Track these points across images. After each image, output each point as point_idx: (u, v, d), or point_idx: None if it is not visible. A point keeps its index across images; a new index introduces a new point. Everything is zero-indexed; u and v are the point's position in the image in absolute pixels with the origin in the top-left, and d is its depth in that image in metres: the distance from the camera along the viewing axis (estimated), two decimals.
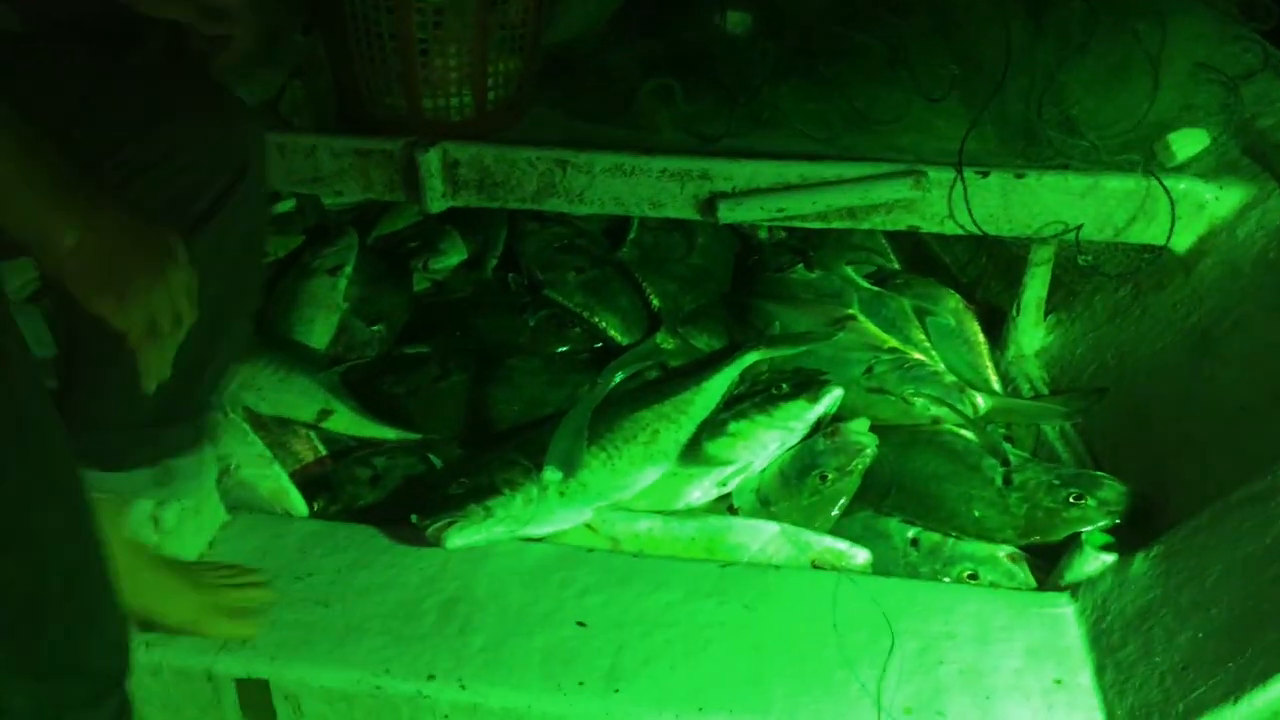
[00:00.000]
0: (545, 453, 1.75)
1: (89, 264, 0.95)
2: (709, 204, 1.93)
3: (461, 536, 1.63)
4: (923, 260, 2.53)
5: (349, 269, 2.30)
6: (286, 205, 2.46)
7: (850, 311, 2.14)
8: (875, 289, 2.26)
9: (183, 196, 1.29)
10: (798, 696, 1.39)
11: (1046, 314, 2.15)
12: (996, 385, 2.06)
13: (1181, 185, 1.84)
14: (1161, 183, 1.82)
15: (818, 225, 1.95)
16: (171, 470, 1.43)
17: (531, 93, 2.12)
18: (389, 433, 1.98)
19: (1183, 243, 1.87)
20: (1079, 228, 1.86)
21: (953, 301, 2.22)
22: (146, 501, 1.52)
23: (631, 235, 2.43)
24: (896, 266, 2.46)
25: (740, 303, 2.30)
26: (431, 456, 1.90)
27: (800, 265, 2.33)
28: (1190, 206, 1.84)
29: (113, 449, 1.37)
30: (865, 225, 1.94)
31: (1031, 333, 2.14)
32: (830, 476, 1.80)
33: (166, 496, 1.49)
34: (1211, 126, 1.90)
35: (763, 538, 1.72)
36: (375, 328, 2.21)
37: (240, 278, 1.41)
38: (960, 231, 1.91)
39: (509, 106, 2.05)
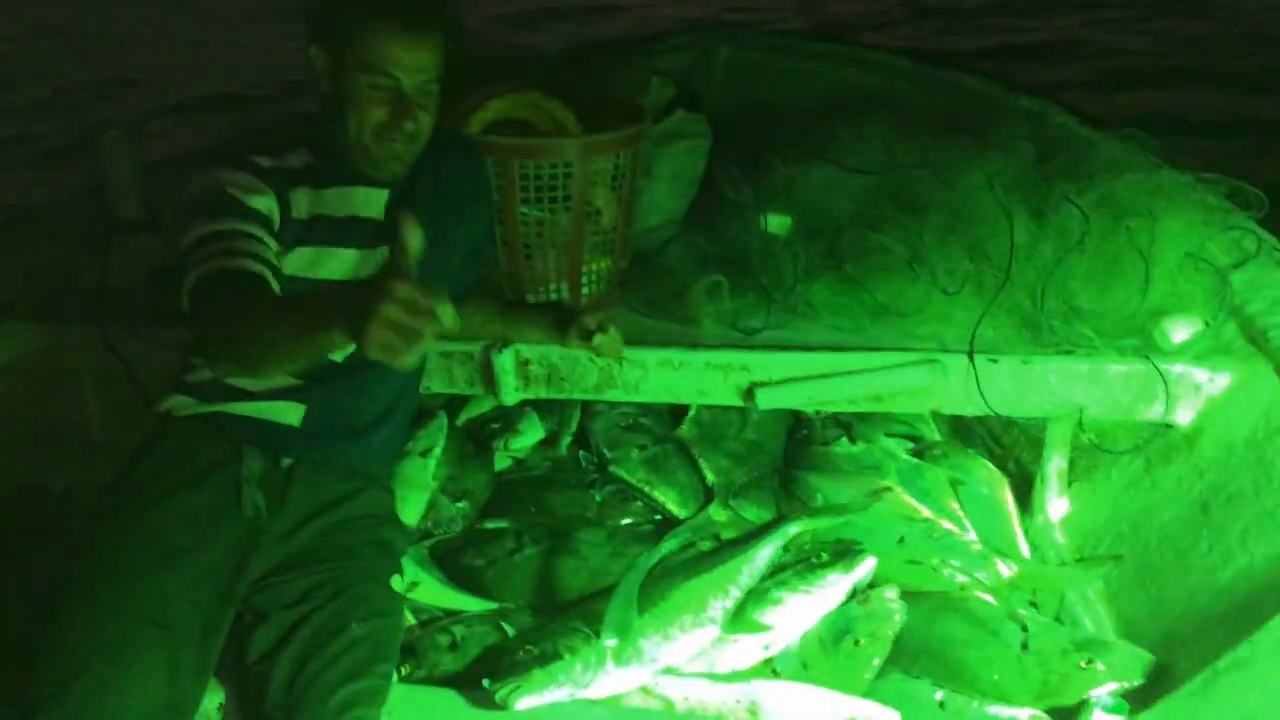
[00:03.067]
0: (603, 620, 1.96)
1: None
2: (749, 393, 2.17)
3: (527, 699, 1.84)
4: (963, 428, 2.70)
5: (439, 450, 2.57)
6: None
7: (887, 483, 2.33)
8: (913, 461, 2.44)
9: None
10: None
11: (1070, 484, 2.30)
12: (1024, 552, 2.20)
13: (1177, 368, 2.01)
14: (1157, 366, 2.00)
15: (849, 409, 2.17)
16: None
17: (621, 285, 2.41)
18: (469, 602, 2.21)
19: (1183, 420, 2.04)
20: (1083, 409, 2.04)
21: (985, 472, 2.38)
22: None
23: (691, 414, 2.66)
24: (936, 437, 2.63)
25: (788, 475, 2.50)
26: (505, 624, 2.12)
27: (844, 439, 2.53)
28: (1187, 387, 2.01)
29: None
30: (891, 408, 2.16)
31: (1055, 502, 2.29)
32: (863, 641, 1.96)
33: None
34: (1204, 312, 2.07)
35: (802, 700, 1.88)
36: (460, 504, 2.46)
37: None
38: (977, 412, 2.11)
39: (602, 298, 2.35)
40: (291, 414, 1.85)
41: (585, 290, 2.30)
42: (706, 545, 2.28)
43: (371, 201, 1.87)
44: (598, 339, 2.02)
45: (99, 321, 2.43)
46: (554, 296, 2.27)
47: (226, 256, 1.57)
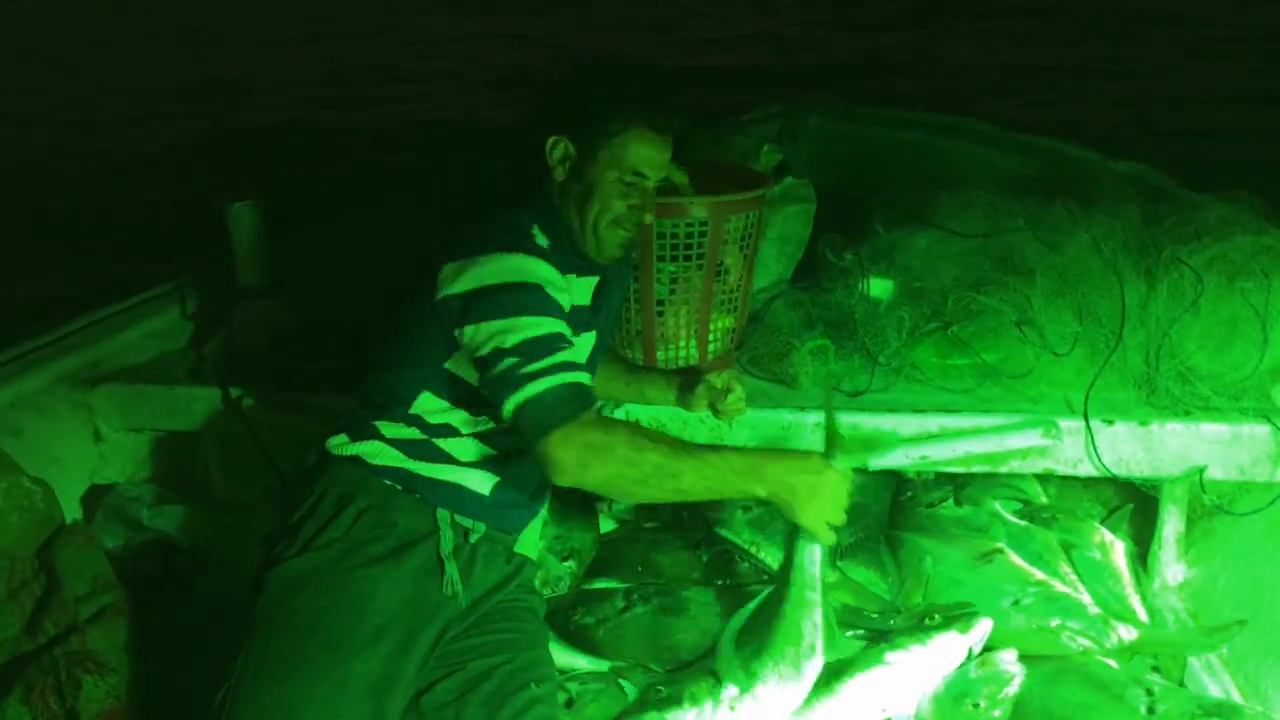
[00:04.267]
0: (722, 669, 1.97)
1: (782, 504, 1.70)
2: None
3: None
4: (1073, 491, 2.68)
5: (544, 511, 2.62)
6: None
7: (998, 545, 2.32)
8: (1022, 524, 2.42)
9: None
10: None
11: (1188, 548, 2.27)
12: (1143, 616, 2.17)
13: None
14: (1278, 427, 1.98)
15: (960, 469, 2.18)
16: None
17: (739, 347, 2.47)
18: (581, 660, 2.24)
19: None
20: (1203, 470, 2.02)
21: (1097, 535, 2.36)
22: None
23: None
24: (1043, 500, 2.61)
25: (895, 537, 2.50)
26: (621, 682, 2.14)
27: (950, 501, 2.53)
28: None
29: None
30: (1003, 470, 2.16)
31: (1173, 565, 2.26)
32: (983, 704, 1.94)
33: None
34: None
35: None
36: (568, 564, 2.50)
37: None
38: (1093, 474, 2.10)
39: (723, 356, 2.41)
40: (484, 483, 1.88)
41: (711, 347, 2.35)
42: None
43: (588, 288, 1.94)
44: (729, 399, 2.09)
45: (222, 384, 2.54)
46: (682, 352, 2.33)
47: (562, 370, 1.63)
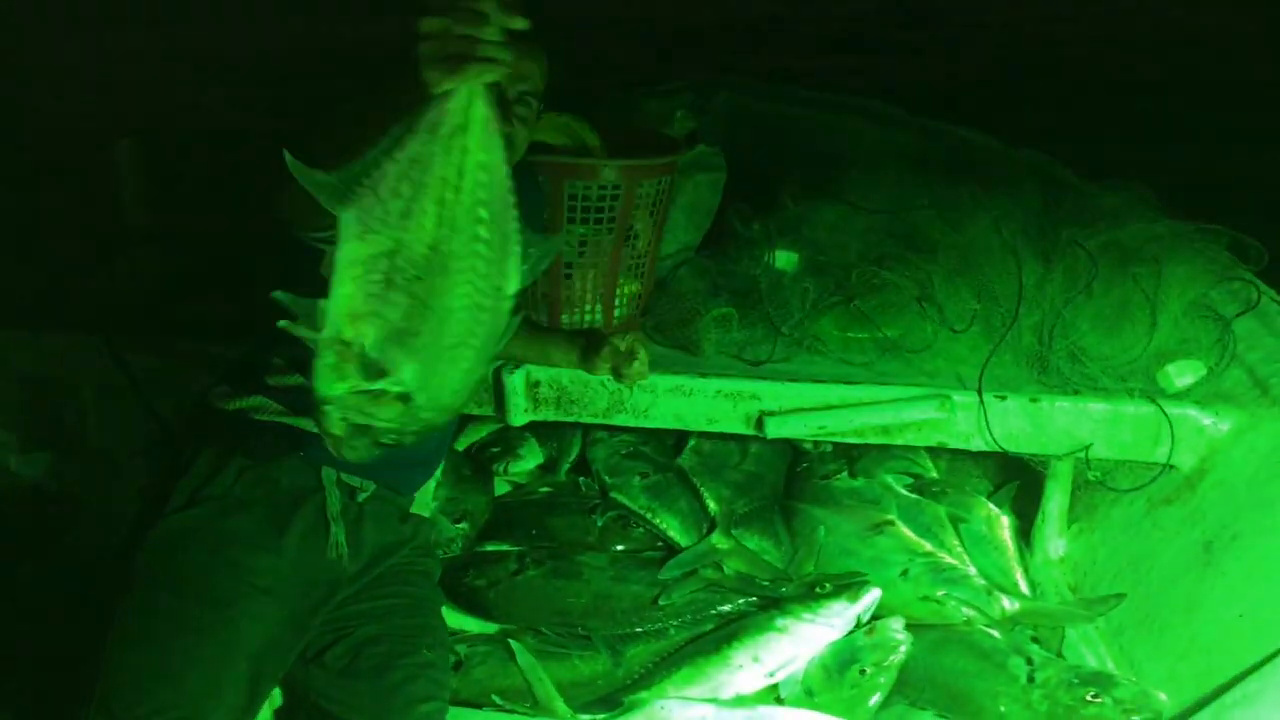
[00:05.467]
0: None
1: None
2: (758, 421, 2.19)
3: None
4: (962, 466, 2.73)
5: (438, 472, 2.57)
6: None
7: (889, 517, 2.36)
8: (913, 497, 2.47)
9: None
10: None
11: (1070, 523, 2.34)
12: (1025, 589, 2.23)
13: (1180, 411, 2.06)
14: (1163, 409, 2.04)
15: (856, 440, 2.20)
16: None
17: (644, 313, 2.44)
18: (471, 623, 2.20)
19: (1185, 462, 2.08)
20: (1088, 447, 2.08)
21: (984, 510, 2.42)
22: None
23: (691, 444, 2.68)
24: (934, 475, 2.66)
25: (789, 507, 2.52)
26: (511, 642, 2.11)
27: (844, 473, 2.56)
28: (1189, 430, 2.06)
29: None
30: (899, 441, 2.19)
31: (1055, 540, 2.32)
32: (869, 670, 1.98)
33: None
34: (1207, 358, 2.12)
35: None
36: (460, 526, 2.46)
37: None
38: (983, 448, 2.14)
39: (629, 321, 2.39)
40: None
41: (616, 312, 2.33)
42: (710, 574, 2.28)
43: None
44: (633, 366, 2.09)
45: (103, 330, 2.42)
46: (588, 316, 2.29)
47: None
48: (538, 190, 2.12)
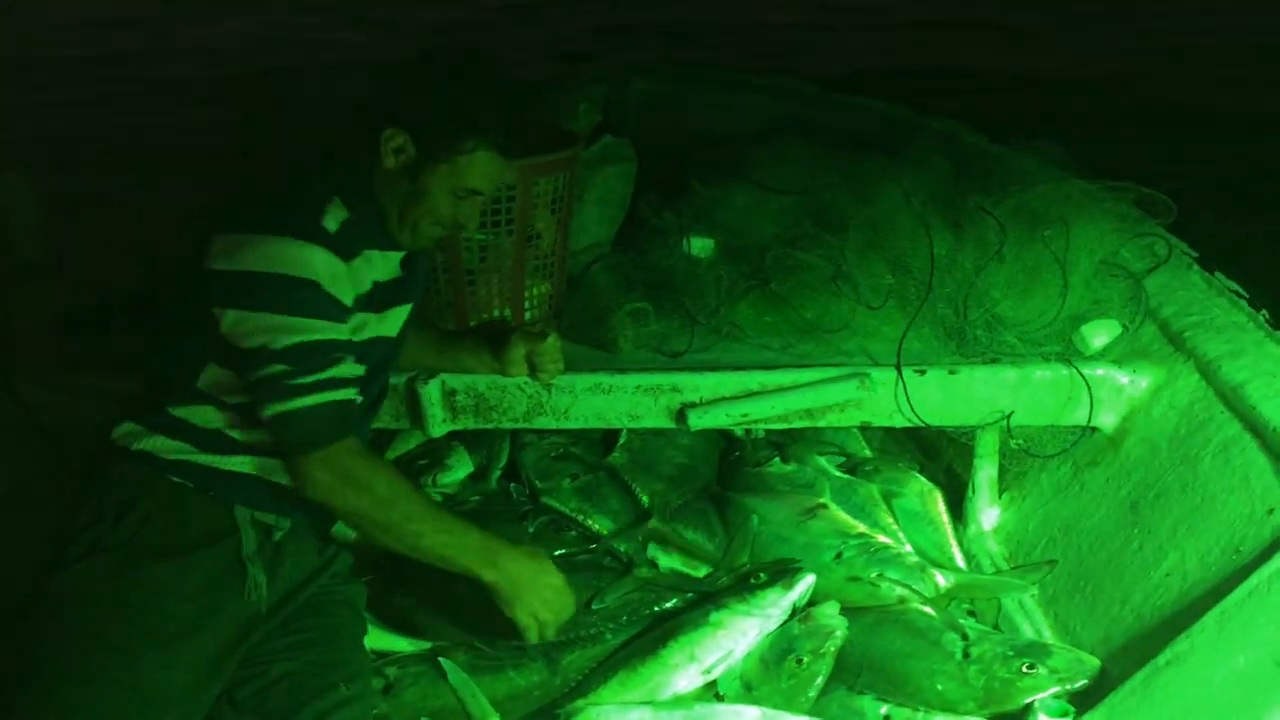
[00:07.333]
0: None
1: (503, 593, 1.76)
2: (680, 414, 2.16)
3: None
4: (894, 443, 2.72)
5: None
6: None
7: (822, 500, 2.33)
8: (846, 477, 2.45)
9: None
10: None
11: (1001, 493, 2.33)
12: (960, 562, 2.21)
13: (1099, 371, 2.05)
14: (1080, 371, 2.03)
15: (780, 426, 2.17)
16: None
17: (558, 315, 2.39)
18: (401, 643, 2.14)
19: (1107, 423, 2.07)
20: (1009, 415, 2.06)
21: (917, 485, 2.40)
22: None
23: (621, 441, 2.64)
24: (867, 454, 2.64)
25: (723, 497, 2.48)
26: (442, 660, 2.06)
27: (776, 459, 2.53)
28: (1109, 390, 2.05)
29: None
30: (822, 424, 2.17)
31: (987, 510, 2.31)
32: (806, 659, 1.94)
33: None
34: (1122, 317, 2.12)
35: None
36: None
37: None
38: (907, 424, 2.12)
39: (541, 323, 2.33)
40: (284, 471, 1.73)
41: (527, 315, 2.28)
42: (644, 573, 2.24)
43: (394, 261, 1.83)
44: (545, 351, 2.05)
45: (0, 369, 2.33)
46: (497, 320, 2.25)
47: (332, 387, 1.61)
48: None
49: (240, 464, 1.72)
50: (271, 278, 1.58)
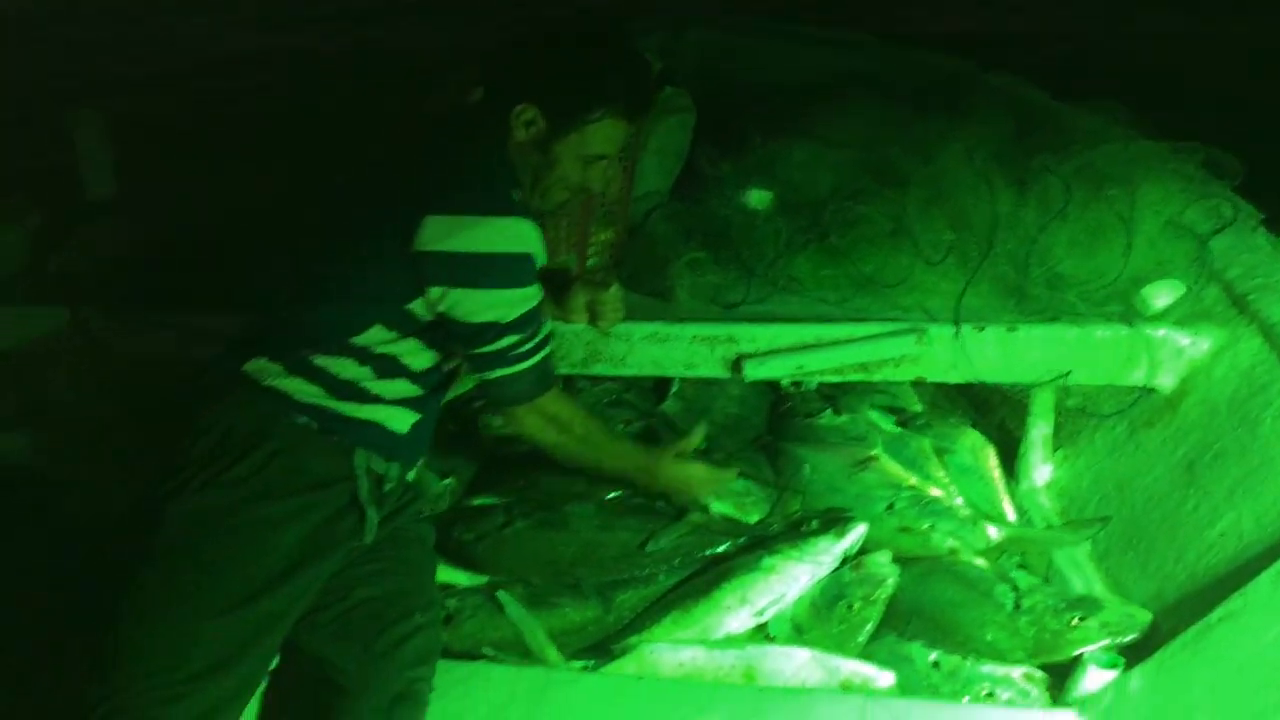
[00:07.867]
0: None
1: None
2: (736, 364, 2.18)
3: None
4: (947, 397, 2.73)
5: None
6: None
7: (874, 453, 2.35)
8: (898, 430, 2.46)
9: None
10: None
11: (1055, 449, 2.34)
12: (1011, 516, 2.23)
13: (1160, 332, 2.05)
14: (1141, 331, 2.03)
15: (835, 379, 2.19)
16: None
17: (618, 264, 2.43)
18: (461, 576, 2.20)
19: (1166, 384, 2.08)
20: (1068, 374, 2.07)
21: (969, 439, 2.41)
22: None
23: (674, 389, 2.68)
24: (918, 408, 2.66)
25: (774, 447, 2.51)
26: (499, 595, 2.12)
27: (828, 410, 2.55)
28: (1169, 351, 2.05)
29: None
30: (877, 377, 2.18)
31: (1040, 467, 2.33)
32: (856, 605, 1.98)
33: None
34: (1185, 278, 2.11)
35: (796, 663, 1.91)
36: (446, 481, 2.45)
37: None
38: (963, 380, 2.13)
39: (604, 269, 2.38)
40: (404, 421, 1.85)
41: (591, 261, 2.31)
42: (697, 518, 2.28)
43: None
44: (606, 301, 2.13)
45: (68, 301, 2.39)
46: (562, 266, 2.28)
47: (544, 346, 1.84)
48: None
49: (365, 411, 1.80)
50: (496, 257, 1.73)
